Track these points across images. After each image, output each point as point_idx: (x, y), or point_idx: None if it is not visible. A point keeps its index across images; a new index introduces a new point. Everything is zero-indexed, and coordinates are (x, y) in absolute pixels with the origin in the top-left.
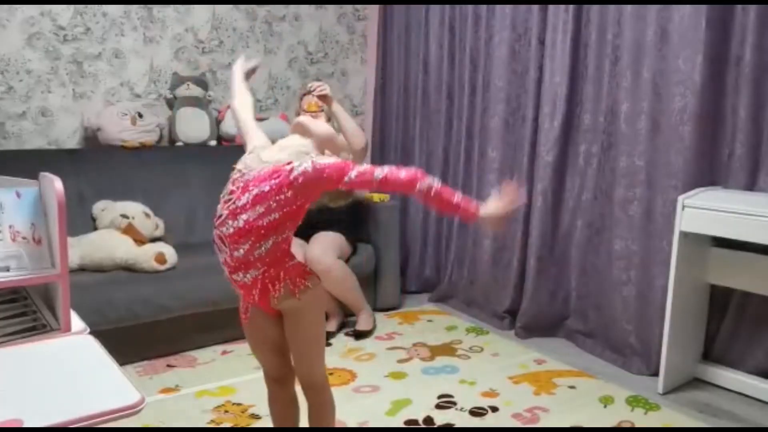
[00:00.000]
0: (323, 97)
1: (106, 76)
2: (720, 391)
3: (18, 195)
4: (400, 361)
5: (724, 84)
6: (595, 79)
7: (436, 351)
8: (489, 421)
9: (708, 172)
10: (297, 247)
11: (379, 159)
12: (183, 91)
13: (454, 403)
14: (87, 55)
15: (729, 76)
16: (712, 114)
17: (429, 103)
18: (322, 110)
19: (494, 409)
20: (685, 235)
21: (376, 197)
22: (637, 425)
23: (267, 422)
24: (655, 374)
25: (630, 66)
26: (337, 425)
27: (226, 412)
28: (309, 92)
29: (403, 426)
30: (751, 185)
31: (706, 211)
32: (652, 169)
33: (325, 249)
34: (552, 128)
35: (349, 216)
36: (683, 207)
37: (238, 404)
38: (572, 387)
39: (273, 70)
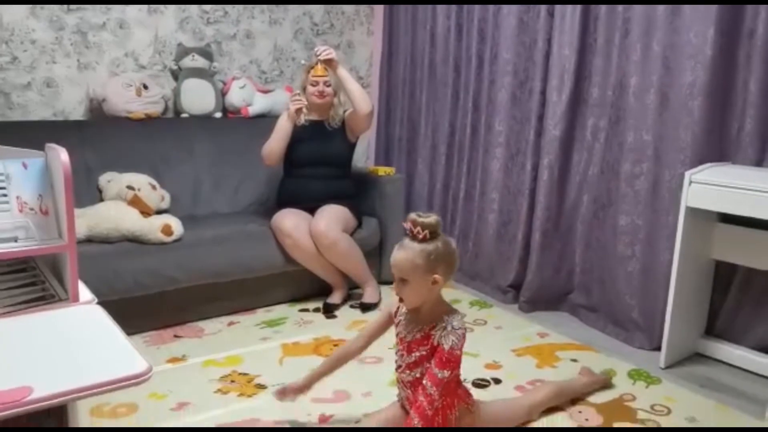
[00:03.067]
0: (329, 62)
1: (110, 47)
2: (721, 366)
3: (25, 166)
4: None
5: (735, 58)
6: (604, 52)
7: None
8: (492, 392)
9: (717, 148)
10: (302, 220)
11: (384, 131)
12: (188, 62)
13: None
14: (91, 25)
15: (741, 50)
16: (722, 88)
17: (435, 76)
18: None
19: (497, 381)
20: (691, 211)
21: (381, 170)
22: (639, 398)
23: (272, 392)
24: (657, 349)
25: (640, 39)
26: (342, 397)
27: (233, 381)
28: (312, 66)
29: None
30: (760, 161)
31: (713, 186)
32: (659, 143)
33: (330, 222)
34: (559, 102)
35: (354, 189)
36: (690, 182)
37: (245, 374)
38: (574, 360)
39: (278, 42)
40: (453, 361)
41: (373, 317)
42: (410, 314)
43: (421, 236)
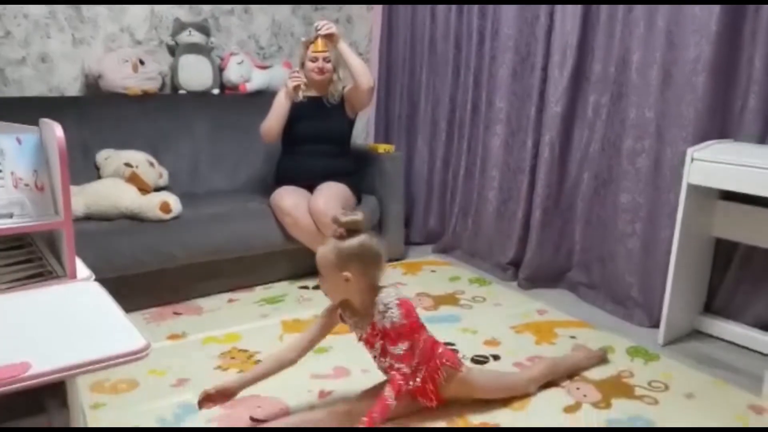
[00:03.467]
0: (329, 36)
1: (105, 21)
2: (719, 343)
3: (19, 141)
4: None
5: (740, 33)
6: (607, 27)
7: (439, 300)
8: (491, 368)
9: (719, 125)
10: (301, 198)
11: (384, 108)
12: (185, 37)
13: (456, 351)
14: None
15: (746, 26)
16: (726, 64)
17: (436, 51)
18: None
19: (496, 357)
20: (692, 188)
21: (381, 148)
22: (637, 375)
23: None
24: (656, 326)
25: (644, 14)
26: (342, 373)
27: (232, 358)
28: (312, 42)
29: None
30: (763, 138)
31: (715, 164)
32: (662, 120)
33: (329, 200)
34: (561, 78)
35: (353, 166)
36: (692, 160)
37: (244, 350)
38: (573, 337)
39: (276, 17)
40: (404, 333)
41: (314, 322)
42: (352, 313)
43: (337, 234)
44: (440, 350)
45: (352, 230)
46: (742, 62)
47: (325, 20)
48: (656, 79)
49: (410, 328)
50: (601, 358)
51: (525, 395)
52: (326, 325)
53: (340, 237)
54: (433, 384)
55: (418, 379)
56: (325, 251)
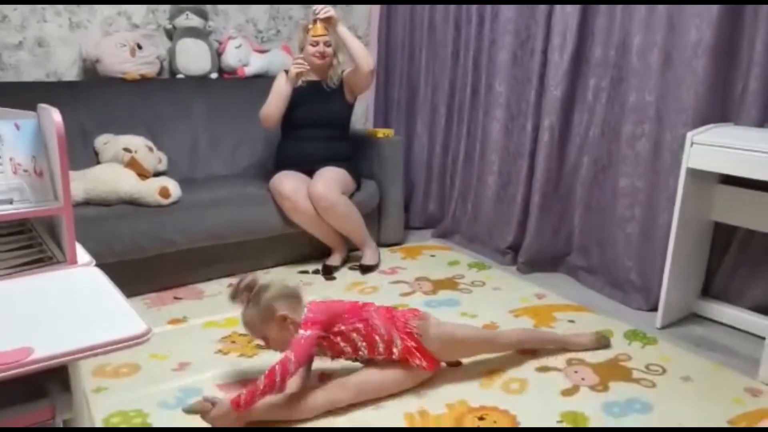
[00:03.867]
0: (328, 20)
1: (102, 5)
2: (717, 326)
3: (17, 127)
4: (403, 294)
5: (742, 16)
6: (607, 10)
7: (439, 285)
8: None
9: (719, 108)
10: (300, 182)
11: (383, 93)
12: (182, 21)
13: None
14: None
15: (747, 8)
16: (727, 47)
17: (435, 35)
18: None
19: None
20: (691, 172)
21: (380, 132)
22: (634, 358)
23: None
24: (654, 309)
25: None
26: None
27: (233, 342)
28: (309, 28)
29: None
30: (763, 121)
31: (715, 147)
32: (662, 104)
33: (328, 185)
34: (561, 61)
35: (352, 151)
36: (692, 144)
37: (245, 335)
38: (571, 321)
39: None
40: (294, 346)
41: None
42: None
43: (245, 300)
44: (397, 313)
45: (251, 290)
46: (742, 45)
47: (323, 4)
48: (656, 63)
49: (335, 313)
50: (599, 341)
51: (504, 351)
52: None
53: (250, 301)
54: (413, 340)
55: (398, 342)
56: (249, 320)
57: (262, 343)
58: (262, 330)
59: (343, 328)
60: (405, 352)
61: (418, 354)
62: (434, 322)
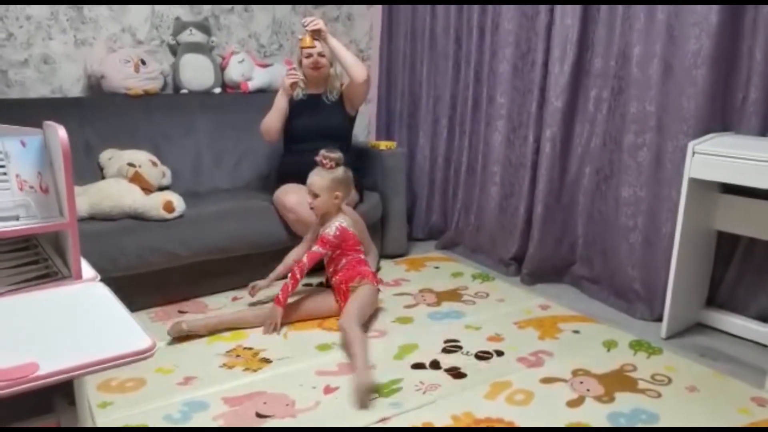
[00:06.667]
0: (317, 32)
1: (107, 22)
2: (722, 336)
3: (23, 144)
4: (407, 306)
5: (741, 25)
6: (607, 21)
7: (443, 297)
8: (494, 364)
9: (720, 117)
10: (304, 195)
11: (385, 105)
12: (186, 36)
13: (460, 347)
14: None
15: (746, 17)
16: (727, 57)
17: (436, 47)
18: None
19: (499, 353)
20: (693, 182)
21: (383, 144)
22: (640, 368)
23: (277, 366)
24: (659, 319)
25: (644, 7)
26: (347, 369)
27: (238, 356)
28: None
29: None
30: (764, 130)
31: (716, 157)
32: (663, 114)
33: None
34: (562, 73)
35: (355, 163)
36: (693, 153)
37: (249, 348)
38: (576, 332)
39: (277, 15)
40: (324, 242)
41: (306, 238)
42: (320, 223)
43: (328, 166)
44: (361, 268)
45: (337, 164)
46: (742, 54)
47: (312, 17)
48: (657, 73)
49: (329, 243)
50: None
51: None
52: (313, 240)
53: (331, 168)
54: (345, 286)
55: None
56: (320, 178)
57: (310, 199)
58: (322, 191)
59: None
60: (342, 278)
61: (341, 288)
62: (374, 288)
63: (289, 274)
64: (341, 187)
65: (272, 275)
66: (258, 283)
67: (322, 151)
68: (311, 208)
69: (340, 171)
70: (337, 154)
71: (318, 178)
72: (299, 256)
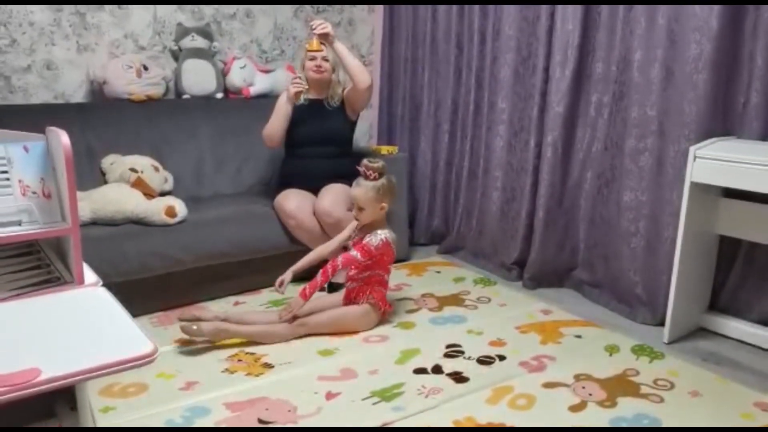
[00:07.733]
0: (325, 36)
1: (109, 28)
2: (724, 340)
3: (26, 149)
4: (409, 311)
5: (741, 30)
6: (608, 26)
7: (444, 301)
8: (496, 368)
9: (722, 122)
10: (306, 199)
11: (387, 110)
12: (188, 42)
13: (462, 352)
14: (90, 6)
15: (747, 22)
16: (728, 61)
17: (438, 53)
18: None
19: (501, 357)
20: (695, 186)
21: (384, 149)
22: (642, 373)
23: (279, 371)
24: (661, 324)
25: (645, 12)
26: (349, 375)
27: (240, 360)
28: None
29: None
30: (765, 135)
31: (718, 161)
32: (664, 118)
33: (334, 201)
34: (563, 78)
35: (356, 168)
36: (695, 158)
37: (251, 353)
38: (578, 336)
39: (278, 20)
40: (365, 251)
41: (345, 232)
42: (360, 230)
43: (372, 176)
44: (379, 289)
45: (380, 174)
46: (743, 59)
47: (320, 20)
48: (658, 78)
49: (370, 253)
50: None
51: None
52: (350, 237)
53: (374, 179)
54: (356, 296)
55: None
56: (364, 191)
57: (355, 213)
58: (367, 204)
59: (370, 264)
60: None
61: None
62: (380, 310)
63: (321, 270)
64: (387, 197)
65: (294, 267)
66: (283, 277)
67: (365, 161)
68: (356, 220)
69: (384, 180)
70: (380, 163)
71: (361, 190)
72: (329, 254)
